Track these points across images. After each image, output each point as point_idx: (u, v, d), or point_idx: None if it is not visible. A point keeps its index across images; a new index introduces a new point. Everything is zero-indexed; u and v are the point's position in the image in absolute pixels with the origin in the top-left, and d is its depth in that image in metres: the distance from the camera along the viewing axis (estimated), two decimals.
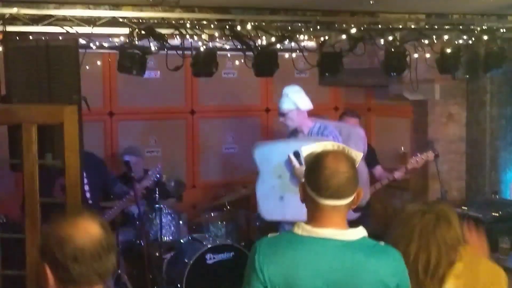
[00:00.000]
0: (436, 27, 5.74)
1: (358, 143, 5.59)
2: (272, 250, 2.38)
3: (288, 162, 4.87)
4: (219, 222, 6.53)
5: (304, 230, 2.39)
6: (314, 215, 2.40)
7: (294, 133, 5.32)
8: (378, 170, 6.44)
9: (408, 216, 2.78)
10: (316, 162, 2.38)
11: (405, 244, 2.67)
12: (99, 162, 5.71)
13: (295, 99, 5.17)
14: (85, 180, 5.40)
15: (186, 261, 5.85)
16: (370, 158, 6.42)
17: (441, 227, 2.69)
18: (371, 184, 6.21)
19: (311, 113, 5.37)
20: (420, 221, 2.71)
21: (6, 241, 3.82)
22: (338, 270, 2.31)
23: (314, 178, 2.37)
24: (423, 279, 2.64)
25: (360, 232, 2.40)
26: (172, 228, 6.23)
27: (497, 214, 5.79)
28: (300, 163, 4.76)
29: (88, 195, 5.44)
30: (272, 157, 5.06)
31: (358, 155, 2.48)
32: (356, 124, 6.30)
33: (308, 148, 2.49)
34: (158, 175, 5.93)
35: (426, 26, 5.69)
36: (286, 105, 5.18)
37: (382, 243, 2.44)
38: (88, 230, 2.01)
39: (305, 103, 5.21)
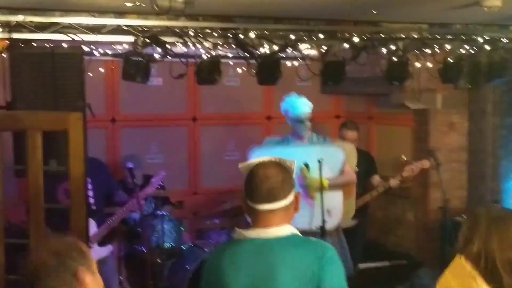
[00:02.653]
0: (438, 37, 5.77)
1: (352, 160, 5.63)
2: (211, 258, 2.59)
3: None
4: (221, 229, 6.54)
5: (236, 234, 2.52)
6: (253, 221, 2.51)
7: (287, 140, 5.31)
8: (376, 179, 6.45)
9: None
10: (250, 172, 2.52)
11: None
12: (103, 168, 5.72)
13: (309, 104, 5.23)
14: (90, 186, 5.41)
15: (188, 267, 5.87)
16: (369, 167, 6.45)
17: None
18: (368, 192, 6.23)
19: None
20: None
21: (9, 246, 3.83)
22: (258, 265, 2.40)
23: (248, 186, 2.51)
24: None
25: (286, 230, 2.46)
26: (174, 234, 6.23)
27: None
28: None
29: (92, 200, 5.45)
30: None
31: (292, 163, 2.58)
32: (353, 138, 6.32)
33: (245, 163, 2.60)
34: (161, 183, 5.94)
35: (429, 36, 5.72)
36: (307, 108, 5.20)
37: (313, 239, 2.55)
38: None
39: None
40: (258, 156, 5.01)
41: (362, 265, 4.99)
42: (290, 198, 2.48)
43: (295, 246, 2.42)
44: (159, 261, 6.08)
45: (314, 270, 2.36)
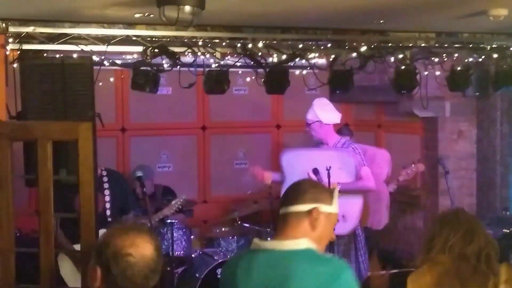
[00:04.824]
0: (446, 45, 5.78)
1: (382, 165, 5.70)
2: (227, 267, 2.61)
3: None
4: (230, 237, 6.56)
5: (253, 244, 2.55)
6: (275, 231, 2.59)
7: (318, 145, 5.43)
8: None
9: None
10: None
11: None
12: (122, 181, 5.73)
13: (318, 112, 5.29)
14: (107, 198, 5.44)
15: (197, 275, 5.89)
16: None
17: None
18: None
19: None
20: None
21: (20, 255, 3.86)
22: (272, 277, 2.39)
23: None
24: None
25: (303, 244, 2.45)
26: (184, 243, 6.26)
27: (508, 231, 5.80)
28: (319, 180, 4.86)
29: (108, 212, 5.47)
30: (297, 163, 5.19)
31: (335, 187, 2.73)
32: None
33: None
34: (180, 206, 5.96)
35: (436, 45, 5.73)
36: (310, 116, 5.33)
37: (329, 255, 2.57)
38: (143, 251, 2.19)
39: (329, 117, 5.33)
40: (289, 160, 5.21)
41: (370, 272, 4.99)
42: (304, 208, 2.47)
43: (311, 262, 2.39)
44: (169, 269, 6.10)
45: None
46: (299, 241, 2.44)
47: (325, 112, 5.30)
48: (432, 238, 3.02)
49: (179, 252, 6.20)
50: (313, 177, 4.91)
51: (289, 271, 2.37)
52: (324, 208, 2.49)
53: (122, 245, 2.18)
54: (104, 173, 5.44)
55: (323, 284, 2.34)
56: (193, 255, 6.28)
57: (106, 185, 5.41)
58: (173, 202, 5.90)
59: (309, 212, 2.47)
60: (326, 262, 2.43)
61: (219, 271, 5.92)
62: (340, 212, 4.80)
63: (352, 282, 2.41)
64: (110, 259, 2.17)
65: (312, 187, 2.54)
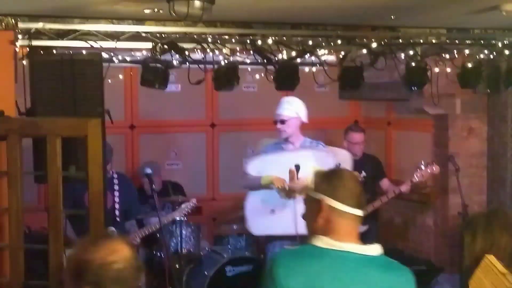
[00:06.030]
0: (457, 41, 5.74)
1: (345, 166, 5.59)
2: (294, 262, 2.37)
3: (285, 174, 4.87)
4: (239, 235, 6.54)
5: (325, 243, 2.39)
6: (334, 231, 2.40)
7: (280, 145, 5.29)
8: (385, 183, 6.44)
9: None
10: (331, 173, 2.48)
11: None
12: (129, 184, 5.76)
13: (297, 108, 5.16)
14: (117, 199, 5.46)
15: (206, 273, 5.88)
16: (376, 172, 6.44)
17: None
18: (377, 197, 6.20)
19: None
20: None
21: (29, 252, 3.86)
22: (359, 283, 2.32)
23: (337, 187, 2.40)
24: None
25: (379, 249, 2.41)
26: (192, 240, 6.24)
27: None
28: (297, 178, 4.80)
29: (117, 212, 5.49)
30: (265, 170, 5.09)
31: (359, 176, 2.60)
32: (360, 140, 6.32)
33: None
34: (189, 211, 5.94)
35: (447, 41, 5.69)
36: (288, 111, 5.14)
37: (395, 262, 2.47)
38: (124, 254, 2.16)
39: (305, 115, 5.21)
40: (256, 167, 5.07)
41: None
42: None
43: (394, 270, 2.40)
44: (178, 267, 6.09)
45: None
46: (377, 248, 2.41)
47: (302, 109, 5.19)
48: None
49: (187, 250, 6.18)
50: (295, 173, 4.83)
51: (376, 278, 2.34)
52: None
53: (102, 255, 2.13)
54: (115, 175, 5.51)
55: None
56: (201, 253, 6.27)
57: (116, 187, 5.45)
58: (183, 206, 5.89)
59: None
60: (399, 270, 2.42)
61: (227, 268, 5.92)
62: None
63: None
64: (97, 274, 2.11)
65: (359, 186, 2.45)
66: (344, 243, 2.37)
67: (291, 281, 2.31)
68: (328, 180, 2.45)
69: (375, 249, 2.40)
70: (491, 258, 2.62)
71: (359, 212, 2.40)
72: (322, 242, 2.39)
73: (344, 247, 2.37)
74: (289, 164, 4.87)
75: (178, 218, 5.90)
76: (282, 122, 5.16)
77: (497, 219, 2.76)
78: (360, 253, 2.37)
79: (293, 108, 5.15)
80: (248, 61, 5.60)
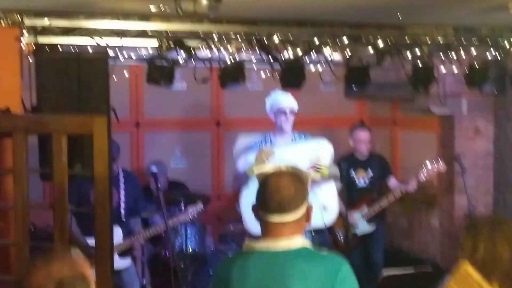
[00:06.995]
0: (464, 41, 5.70)
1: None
2: (219, 270, 2.53)
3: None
4: (243, 234, 6.52)
5: (245, 246, 2.47)
6: (263, 231, 2.45)
7: (268, 138, 5.45)
8: (392, 181, 6.43)
9: None
10: (263, 181, 2.46)
11: None
12: (135, 181, 5.75)
13: (294, 101, 5.32)
14: (123, 197, 5.46)
15: (211, 272, 5.86)
16: (383, 170, 6.43)
17: None
18: (384, 196, 6.19)
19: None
20: None
21: (34, 250, 3.85)
22: (268, 279, 2.35)
23: (260, 196, 2.44)
24: None
25: (297, 242, 2.41)
26: (197, 239, 6.24)
27: None
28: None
29: (122, 211, 5.48)
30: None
31: (308, 175, 2.54)
32: (367, 138, 6.32)
33: (260, 168, 2.53)
34: (196, 216, 5.92)
35: (454, 40, 5.66)
36: (294, 104, 5.31)
37: (325, 252, 2.46)
38: (59, 275, 2.02)
39: None
40: (245, 165, 5.11)
41: (386, 272, 4.95)
42: (301, 211, 2.41)
43: (307, 260, 2.36)
44: (182, 266, 6.08)
45: (328, 286, 2.31)
46: (294, 240, 2.40)
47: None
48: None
49: (192, 249, 6.17)
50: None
51: (286, 272, 2.33)
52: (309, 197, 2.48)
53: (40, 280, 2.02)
54: (122, 173, 5.50)
55: (323, 281, 2.32)
56: (206, 252, 6.25)
57: (122, 185, 5.45)
58: (190, 210, 5.87)
59: (303, 214, 2.43)
60: (322, 259, 2.39)
61: None
62: (321, 203, 4.83)
63: (351, 278, 2.38)
64: None
65: (294, 187, 2.41)
66: (258, 242, 2.43)
67: (218, 286, 2.48)
68: (258, 186, 2.48)
69: (294, 243, 2.40)
70: (467, 267, 2.59)
71: (280, 219, 2.38)
72: (244, 245, 2.49)
73: (256, 247, 2.42)
74: (284, 157, 4.94)
75: (184, 220, 5.89)
76: (292, 113, 5.30)
77: (501, 230, 2.72)
78: (272, 250, 2.39)
79: (293, 101, 5.32)
80: (254, 59, 5.58)
